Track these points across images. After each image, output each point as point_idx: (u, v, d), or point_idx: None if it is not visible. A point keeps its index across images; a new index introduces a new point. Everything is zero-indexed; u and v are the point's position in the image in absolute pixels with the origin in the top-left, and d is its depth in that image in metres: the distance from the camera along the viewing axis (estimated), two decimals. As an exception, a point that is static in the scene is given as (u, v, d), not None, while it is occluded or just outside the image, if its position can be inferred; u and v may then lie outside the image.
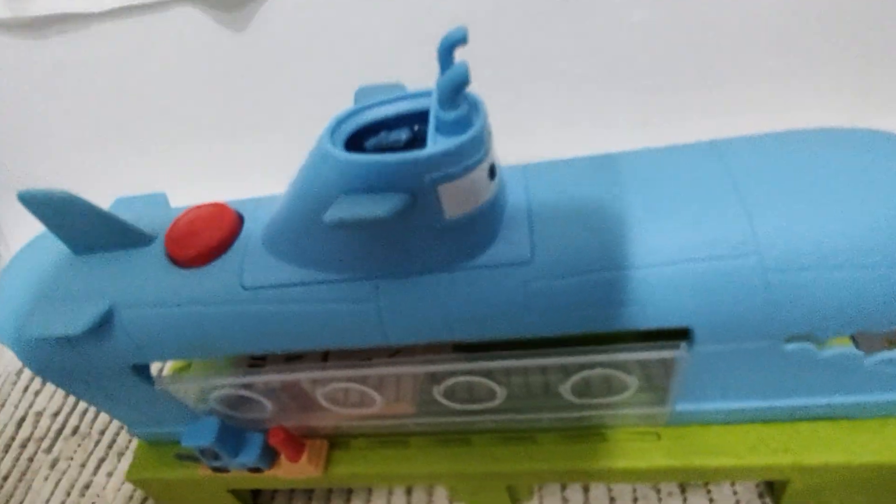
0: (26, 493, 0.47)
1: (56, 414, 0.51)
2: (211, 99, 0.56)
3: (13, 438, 0.51)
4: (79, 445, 0.48)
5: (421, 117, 0.24)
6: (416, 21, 0.50)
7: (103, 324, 0.28)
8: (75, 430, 0.50)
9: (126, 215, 0.29)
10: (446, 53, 0.21)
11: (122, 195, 0.35)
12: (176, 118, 0.58)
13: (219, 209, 0.29)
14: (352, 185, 0.22)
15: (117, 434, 0.49)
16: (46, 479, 0.47)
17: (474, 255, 0.25)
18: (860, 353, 0.26)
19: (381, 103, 0.24)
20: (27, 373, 0.55)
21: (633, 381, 0.29)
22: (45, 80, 0.53)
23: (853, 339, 0.27)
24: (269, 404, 0.33)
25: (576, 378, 0.29)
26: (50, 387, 0.53)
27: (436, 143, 0.21)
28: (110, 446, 0.48)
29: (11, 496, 0.47)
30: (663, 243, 0.24)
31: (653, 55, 0.51)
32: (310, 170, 0.24)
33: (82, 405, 0.51)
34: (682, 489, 0.37)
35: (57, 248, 0.30)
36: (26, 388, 0.54)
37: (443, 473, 0.34)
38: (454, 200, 0.22)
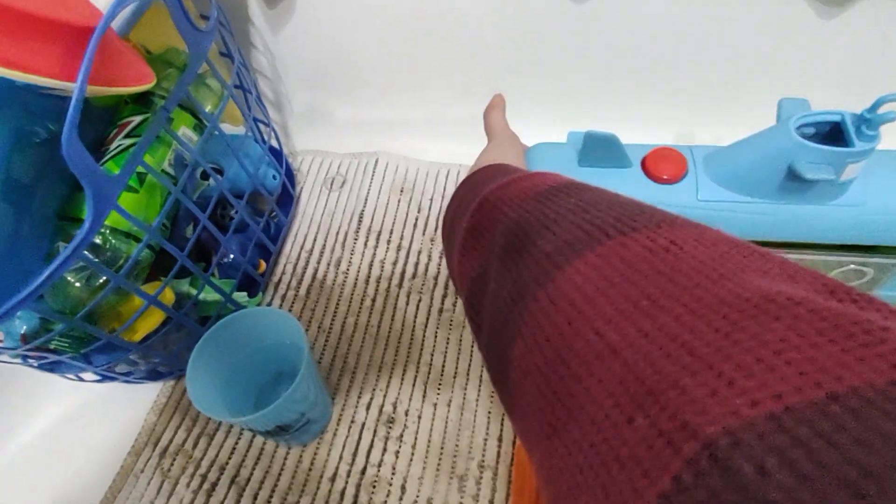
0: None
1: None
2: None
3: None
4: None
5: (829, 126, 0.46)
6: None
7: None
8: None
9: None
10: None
11: (573, 129, 0.57)
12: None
13: (672, 150, 0.52)
14: (798, 157, 0.45)
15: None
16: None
17: (836, 198, 0.48)
18: None
19: (813, 113, 0.46)
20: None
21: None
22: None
23: None
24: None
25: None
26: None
27: (860, 145, 0.44)
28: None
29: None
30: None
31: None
32: (767, 140, 0.46)
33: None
34: None
35: (565, 156, 0.53)
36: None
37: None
38: (847, 173, 0.45)
